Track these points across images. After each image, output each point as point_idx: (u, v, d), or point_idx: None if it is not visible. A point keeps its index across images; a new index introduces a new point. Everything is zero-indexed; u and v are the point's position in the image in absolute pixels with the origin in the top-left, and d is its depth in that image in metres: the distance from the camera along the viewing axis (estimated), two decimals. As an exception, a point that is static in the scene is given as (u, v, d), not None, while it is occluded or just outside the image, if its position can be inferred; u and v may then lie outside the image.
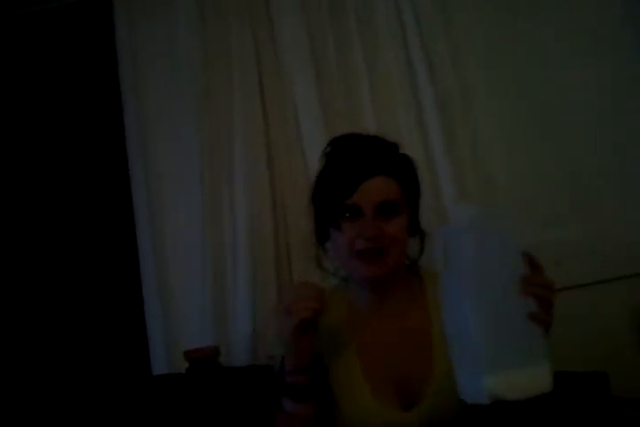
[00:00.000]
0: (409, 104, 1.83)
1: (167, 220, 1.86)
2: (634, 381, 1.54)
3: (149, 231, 1.83)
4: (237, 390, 1.55)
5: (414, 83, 1.83)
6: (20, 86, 2.06)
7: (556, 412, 1.42)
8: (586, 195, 1.83)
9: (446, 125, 1.82)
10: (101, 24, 1.96)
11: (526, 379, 0.93)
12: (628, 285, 1.75)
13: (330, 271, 1.34)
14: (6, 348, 1.87)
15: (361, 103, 1.85)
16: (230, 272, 1.76)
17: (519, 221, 0.99)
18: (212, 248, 1.78)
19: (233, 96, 1.83)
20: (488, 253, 0.96)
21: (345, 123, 1.82)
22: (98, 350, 1.88)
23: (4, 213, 1.99)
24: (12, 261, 1.96)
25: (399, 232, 1.20)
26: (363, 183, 1.18)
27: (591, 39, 1.89)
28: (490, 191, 1.82)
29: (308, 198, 1.30)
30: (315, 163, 1.68)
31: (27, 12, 2.06)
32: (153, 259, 1.82)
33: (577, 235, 1.79)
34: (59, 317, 1.92)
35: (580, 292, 1.75)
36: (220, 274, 1.77)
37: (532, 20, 1.90)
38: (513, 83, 1.90)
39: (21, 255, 1.97)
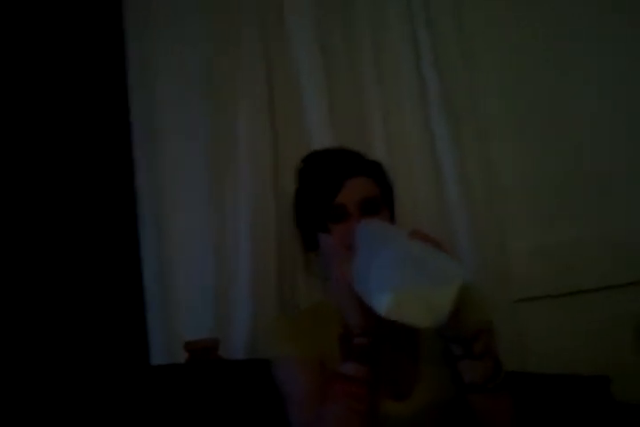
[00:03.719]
0: (416, 104, 1.83)
1: (169, 207, 1.79)
2: (636, 386, 1.53)
3: (151, 219, 1.78)
4: (237, 382, 1.52)
5: (421, 79, 1.83)
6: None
7: (557, 414, 1.43)
8: (600, 195, 1.84)
9: (452, 122, 1.81)
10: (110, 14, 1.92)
11: (426, 305, 1.01)
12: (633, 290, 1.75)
13: (319, 276, 1.45)
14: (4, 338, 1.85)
15: (368, 102, 1.83)
16: (232, 265, 1.73)
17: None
18: (214, 240, 1.74)
19: (237, 75, 1.79)
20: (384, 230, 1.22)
21: (353, 125, 1.82)
22: (96, 340, 1.86)
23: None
24: (8, 247, 1.93)
25: None
26: (345, 182, 1.28)
27: (604, 37, 1.89)
28: (497, 192, 1.83)
29: (291, 211, 1.43)
30: (319, 146, 1.70)
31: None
32: (154, 248, 1.75)
33: (583, 237, 1.79)
34: (57, 306, 1.89)
35: (587, 297, 1.75)
36: (221, 267, 1.73)
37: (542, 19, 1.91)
38: (520, 81, 1.90)
39: (19, 238, 1.94)
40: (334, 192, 1.27)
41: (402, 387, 1.24)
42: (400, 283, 1.03)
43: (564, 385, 1.50)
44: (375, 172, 1.37)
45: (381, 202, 1.32)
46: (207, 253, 1.75)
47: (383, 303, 1.02)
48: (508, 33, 1.91)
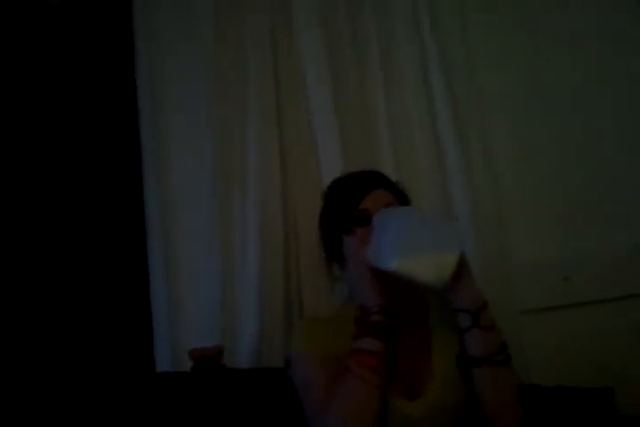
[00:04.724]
0: (422, 112, 1.84)
1: (177, 220, 1.84)
2: (640, 398, 1.53)
3: (159, 230, 1.82)
4: (240, 391, 1.54)
5: (429, 90, 1.84)
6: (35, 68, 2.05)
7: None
8: (598, 208, 1.83)
9: (460, 137, 1.82)
10: (119, 15, 1.96)
11: (433, 262, 1.17)
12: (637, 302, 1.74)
13: (339, 280, 1.50)
14: (9, 344, 1.86)
15: (375, 110, 1.86)
16: (238, 274, 1.75)
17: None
18: (221, 249, 1.76)
19: (247, 96, 1.82)
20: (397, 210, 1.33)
21: (359, 129, 1.84)
22: (102, 346, 1.88)
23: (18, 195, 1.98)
24: (16, 254, 1.95)
25: None
26: (370, 192, 1.37)
27: (608, 37, 1.89)
28: (500, 203, 1.83)
29: (318, 222, 1.47)
30: (328, 167, 1.76)
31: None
32: (161, 257, 1.81)
33: (586, 249, 1.79)
34: (65, 313, 1.91)
35: (588, 309, 1.75)
36: (228, 276, 1.75)
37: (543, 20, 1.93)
38: (526, 85, 1.92)
39: (29, 246, 1.96)
40: (359, 199, 1.36)
41: (414, 386, 1.26)
42: (410, 242, 1.18)
43: (568, 397, 1.50)
44: (395, 188, 1.44)
45: None
46: (214, 263, 1.77)
47: (395, 259, 1.16)
48: (511, 37, 1.95)
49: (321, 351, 1.28)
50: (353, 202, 1.37)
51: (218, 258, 1.76)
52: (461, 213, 1.78)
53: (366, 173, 1.46)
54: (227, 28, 1.86)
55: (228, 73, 1.84)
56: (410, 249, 1.17)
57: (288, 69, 1.85)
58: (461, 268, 1.20)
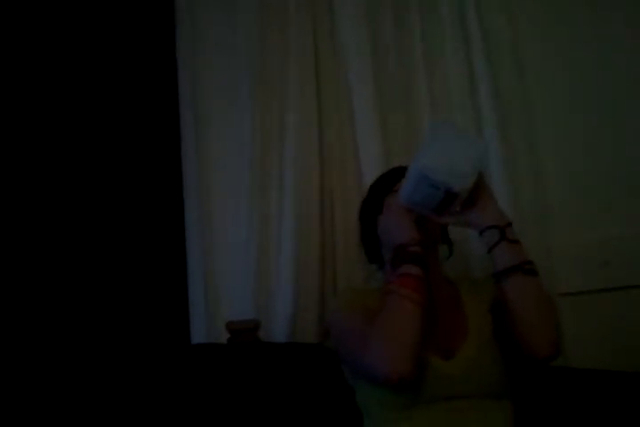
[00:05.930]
0: (466, 104, 1.84)
1: (215, 208, 1.88)
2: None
3: (197, 216, 1.85)
4: (275, 364, 1.55)
5: (473, 82, 1.84)
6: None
7: (597, 410, 1.42)
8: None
9: (502, 123, 1.81)
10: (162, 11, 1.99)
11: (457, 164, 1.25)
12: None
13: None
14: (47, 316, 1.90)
15: (418, 100, 1.87)
16: (274, 250, 1.77)
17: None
18: (257, 227, 1.78)
19: (288, 87, 1.84)
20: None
21: (400, 121, 1.84)
22: (139, 319, 1.91)
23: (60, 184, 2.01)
24: (61, 231, 1.98)
25: None
26: (402, 179, 1.38)
27: None
28: (541, 189, 1.82)
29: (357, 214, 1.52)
30: (367, 156, 1.79)
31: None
32: (198, 231, 1.84)
33: (627, 234, 1.77)
34: (103, 286, 1.94)
35: (627, 293, 1.72)
36: (263, 251, 1.77)
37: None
38: (571, 79, 1.90)
39: (71, 222, 1.99)
40: (392, 183, 1.44)
41: (450, 346, 1.28)
42: (435, 151, 1.27)
43: (605, 381, 1.49)
44: None
45: None
46: (250, 237, 1.79)
47: (421, 162, 1.26)
48: (558, 30, 1.92)
49: (354, 306, 1.33)
50: (387, 186, 1.46)
51: (254, 234, 1.78)
52: (502, 198, 1.77)
53: (400, 167, 1.52)
54: (268, 15, 1.88)
55: (268, 59, 1.86)
56: (435, 155, 1.25)
57: (329, 57, 1.87)
58: (484, 186, 1.30)
